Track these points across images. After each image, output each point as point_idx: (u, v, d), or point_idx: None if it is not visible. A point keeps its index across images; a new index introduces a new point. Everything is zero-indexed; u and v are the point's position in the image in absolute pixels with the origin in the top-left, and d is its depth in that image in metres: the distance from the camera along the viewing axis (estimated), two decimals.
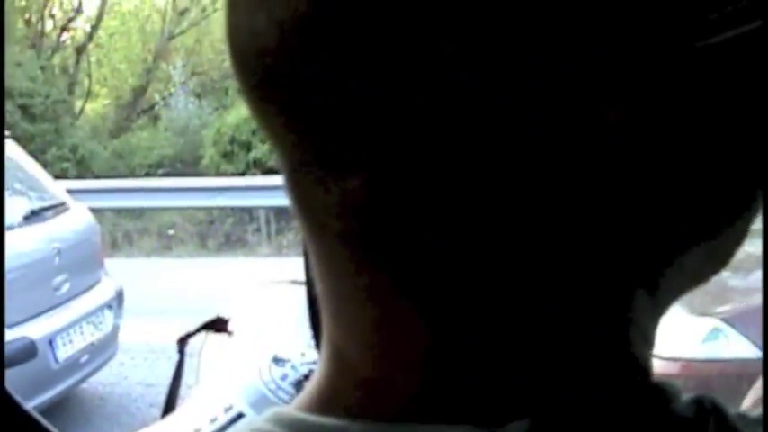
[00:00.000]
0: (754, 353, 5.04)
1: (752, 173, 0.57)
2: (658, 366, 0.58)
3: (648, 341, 0.60)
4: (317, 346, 1.85)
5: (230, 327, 2.43)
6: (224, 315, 2.44)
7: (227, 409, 2.17)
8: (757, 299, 5.62)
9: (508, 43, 0.52)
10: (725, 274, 6.40)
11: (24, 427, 1.84)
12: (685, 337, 5.24)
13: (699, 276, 0.61)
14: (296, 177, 0.59)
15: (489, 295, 0.56)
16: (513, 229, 0.55)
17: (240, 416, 2.16)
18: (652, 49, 0.53)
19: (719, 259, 0.61)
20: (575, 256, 0.56)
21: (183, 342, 2.40)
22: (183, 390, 2.48)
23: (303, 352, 2.21)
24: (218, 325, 2.42)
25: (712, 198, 0.57)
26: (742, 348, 5.08)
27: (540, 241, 0.55)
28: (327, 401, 0.60)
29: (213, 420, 2.13)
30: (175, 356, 7.70)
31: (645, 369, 0.60)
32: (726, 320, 5.20)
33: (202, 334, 2.60)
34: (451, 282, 0.56)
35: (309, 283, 1.77)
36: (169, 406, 2.35)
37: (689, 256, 0.58)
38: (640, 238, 0.56)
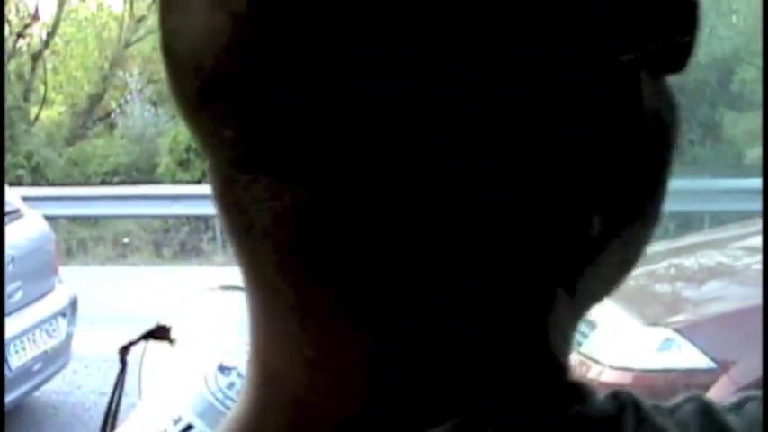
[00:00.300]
0: (707, 363, 5.08)
1: (653, 163, 0.58)
2: (611, 376, 0.59)
3: (568, 342, 0.61)
4: None
5: (172, 335, 2.42)
6: (165, 323, 2.43)
7: (177, 421, 2.15)
8: (709, 309, 5.67)
9: (428, 50, 0.52)
10: (678, 285, 6.45)
11: None
12: (638, 348, 5.27)
13: (614, 277, 0.62)
14: (232, 181, 0.57)
15: (413, 304, 0.56)
16: (433, 236, 0.55)
17: (190, 427, 2.15)
18: (564, 56, 0.54)
19: (631, 257, 0.62)
20: (493, 261, 0.56)
21: (124, 351, 2.38)
22: (124, 401, 2.46)
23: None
24: (159, 333, 2.40)
25: (620, 191, 0.57)
26: (694, 359, 5.11)
27: (459, 247, 0.55)
28: (258, 424, 0.60)
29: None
30: (130, 365, 7.66)
31: (563, 369, 0.60)
32: (678, 331, 5.24)
33: (143, 343, 2.58)
34: (384, 293, 0.56)
35: None
36: (109, 419, 2.33)
37: (605, 255, 0.58)
38: (558, 238, 0.56)
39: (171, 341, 2.38)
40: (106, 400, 6.29)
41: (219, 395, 2.22)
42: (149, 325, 2.71)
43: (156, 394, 2.33)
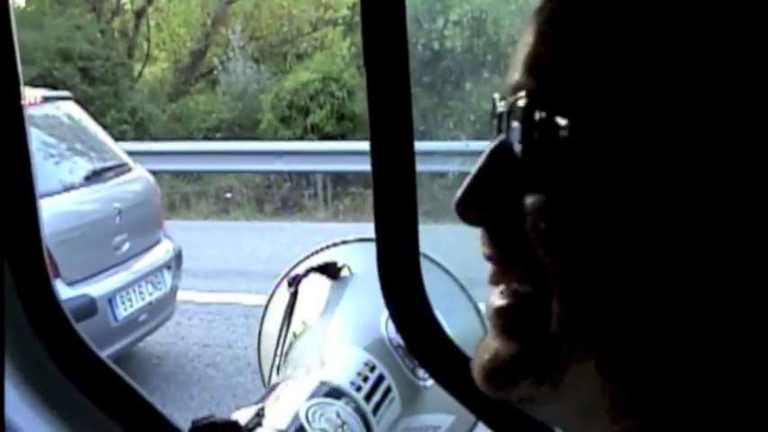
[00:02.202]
0: None
1: None
2: None
3: None
4: (387, 304, 1.87)
5: (342, 273, 2.46)
6: (335, 260, 2.47)
7: (371, 368, 2.20)
8: None
9: None
10: None
11: (99, 372, 1.88)
12: None
13: None
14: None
15: None
16: None
17: (381, 378, 2.19)
18: None
19: None
20: None
21: (296, 282, 2.43)
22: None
23: None
24: (330, 270, 2.45)
25: None
26: None
27: None
28: None
29: (365, 378, 2.16)
30: (232, 318, 7.72)
31: None
32: None
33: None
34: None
35: (379, 242, 1.79)
36: (279, 350, 2.38)
37: None
38: None
39: (338, 279, 2.42)
40: (209, 352, 6.39)
41: (395, 342, 2.26)
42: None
43: (331, 330, 2.36)
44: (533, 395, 0.76)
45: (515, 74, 0.76)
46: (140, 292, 6.81)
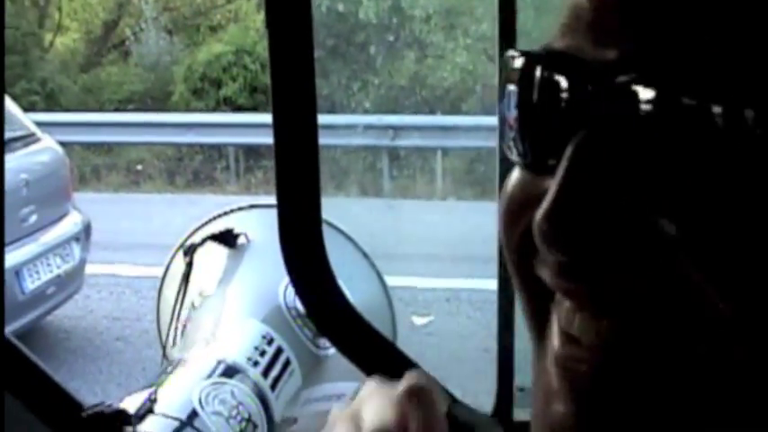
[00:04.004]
0: None
1: None
2: None
3: None
4: (289, 272, 1.87)
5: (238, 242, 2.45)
6: (233, 228, 2.46)
7: (269, 342, 2.18)
8: None
9: None
10: None
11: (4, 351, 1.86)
12: None
13: None
14: None
15: None
16: None
17: (280, 351, 2.17)
18: None
19: None
20: None
21: (191, 251, 2.42)
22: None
23: None
24: (227, 238, 2.43)
25: None
26: None
27: None
28: None
29: (262, 353, 2.14)
30: (142, 290, 7.64)
31: None
32: None
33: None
34: None
35: (281, 207, 1.79)
36: (173, 321, 2.36)
37: None
38: None
39: (235, 248, 2.41)
40: (118, 325, 6.34)
41: (294, 312, 2.26)
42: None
43: (229, 300, 2.35)
44: None
45: (612, 48, 0.59)
46: (48, 265, 6.75)
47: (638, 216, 0.57)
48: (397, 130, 11.32)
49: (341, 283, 1.87)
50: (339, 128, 10.74)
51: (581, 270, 0.59)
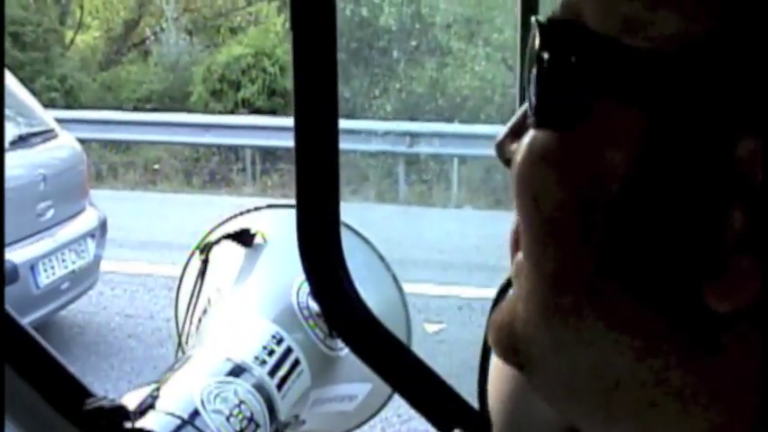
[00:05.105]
0: None
1: None
2: None
3: None
4: (306, 273, 1.87)
5: (255, 241, 2.44)
6: (249, 228, 2.45)
7: (279, 341, 2.18)
8: None
9: None
10: None
11: (21, 342, 1.87)
12: None
13: None
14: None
15: None
16: None
17: (289, 351, 2.17)
18: None
19: None
20: None
21: (207, 249, 2.41)
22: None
23: None
24: (243, 237, 2.43)
25: None
26: None
27: None
28: None
29: (270, 352, 2.14)
30: (156, 289, 7.66)
31: None
32: None
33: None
34: None
35: (300, 208, 1.80)
36: (188, 319, 2.36)
37: None
38: None
39: (251, 247, 2.41)
40: (130, 322, 6.35)
41: (306, 312, 2.26)
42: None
43: (242, 299, 2.35)
44: None
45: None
46: (63, 260, 6.77)
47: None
48: (415, 136, 11.34)
49: (357, 285, 1.88)
50: (357, 132, 10.76)
51: None
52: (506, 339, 0.68)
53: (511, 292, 0.69)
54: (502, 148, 0.69)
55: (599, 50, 0.59)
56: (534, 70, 0.62)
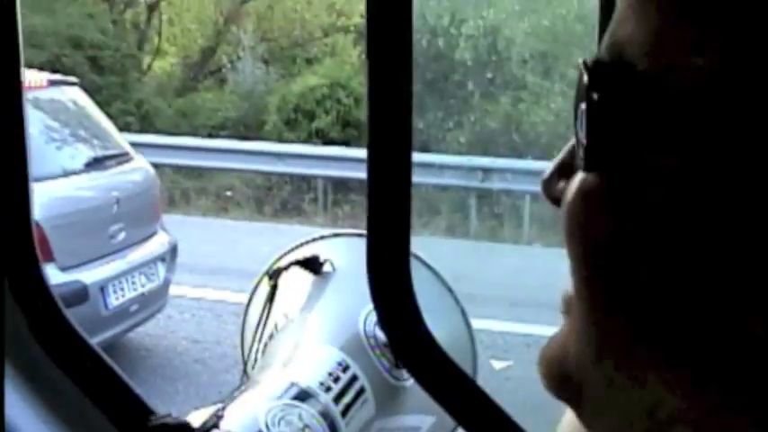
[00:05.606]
0: None
1: None
2: None
3: None
4: (375, 303, 1.86)
5: (324, 269, 2.44)
6: (319, 255, 2.45)
7: (345, 369, 2.17)
8: None
9: None
10: None
11: (89, 361, 1.88)
12: None
13: None
14: None
15: None
16: None
17: (354, 378, 2.17)
18: None
19: None
20: None
21: (276, 275, 2.42)
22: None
23: None
24: (312, 264, 2.43)
25: None
26: None
27: None
28: None
29: (336, 379, 2.13)
30: (224, 315, 7.69)
31: None
32: None
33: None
34: None
35: (371, 238, 1.79)
36: (255, 343, 2.37)
37: None
38: None
39: (320, 274, 2.41)
40: (197, 347, 6.38)
41: (372, 341, 2.25)
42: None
43: (309, 325, 2.35)
44: None
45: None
46: (133, 283, 6.82)
47: None
48: (487, 171, 11.31)
49: (425, 316, 1.87)
50: (429, 166, 10.75)
51: None
52: (558, 375, 0.68)
53: (560, 326, 0.69)
54: (549, 187, 0.69)
55: (645, 91, 0.59)
56: (582, 109, 0.62)
